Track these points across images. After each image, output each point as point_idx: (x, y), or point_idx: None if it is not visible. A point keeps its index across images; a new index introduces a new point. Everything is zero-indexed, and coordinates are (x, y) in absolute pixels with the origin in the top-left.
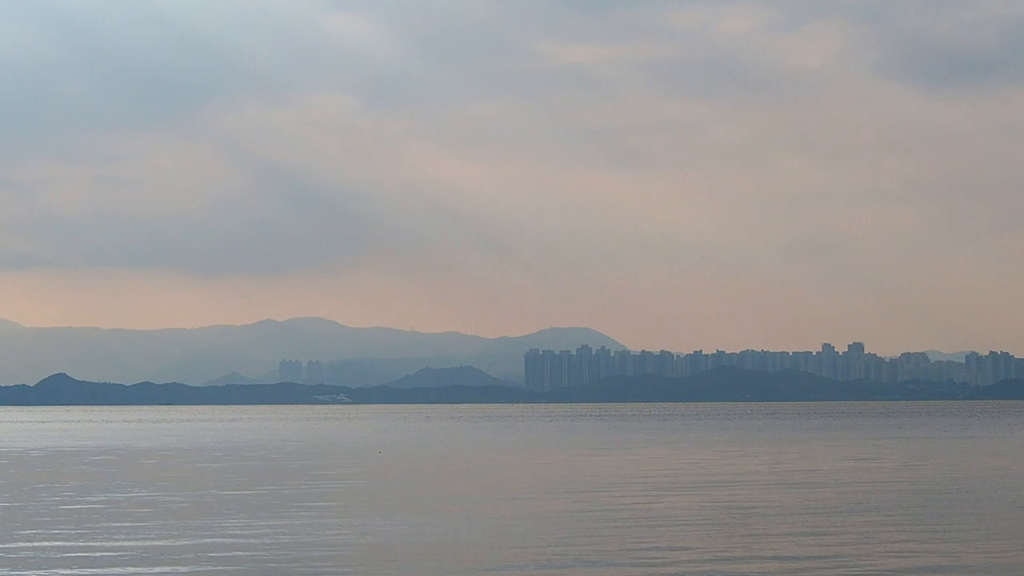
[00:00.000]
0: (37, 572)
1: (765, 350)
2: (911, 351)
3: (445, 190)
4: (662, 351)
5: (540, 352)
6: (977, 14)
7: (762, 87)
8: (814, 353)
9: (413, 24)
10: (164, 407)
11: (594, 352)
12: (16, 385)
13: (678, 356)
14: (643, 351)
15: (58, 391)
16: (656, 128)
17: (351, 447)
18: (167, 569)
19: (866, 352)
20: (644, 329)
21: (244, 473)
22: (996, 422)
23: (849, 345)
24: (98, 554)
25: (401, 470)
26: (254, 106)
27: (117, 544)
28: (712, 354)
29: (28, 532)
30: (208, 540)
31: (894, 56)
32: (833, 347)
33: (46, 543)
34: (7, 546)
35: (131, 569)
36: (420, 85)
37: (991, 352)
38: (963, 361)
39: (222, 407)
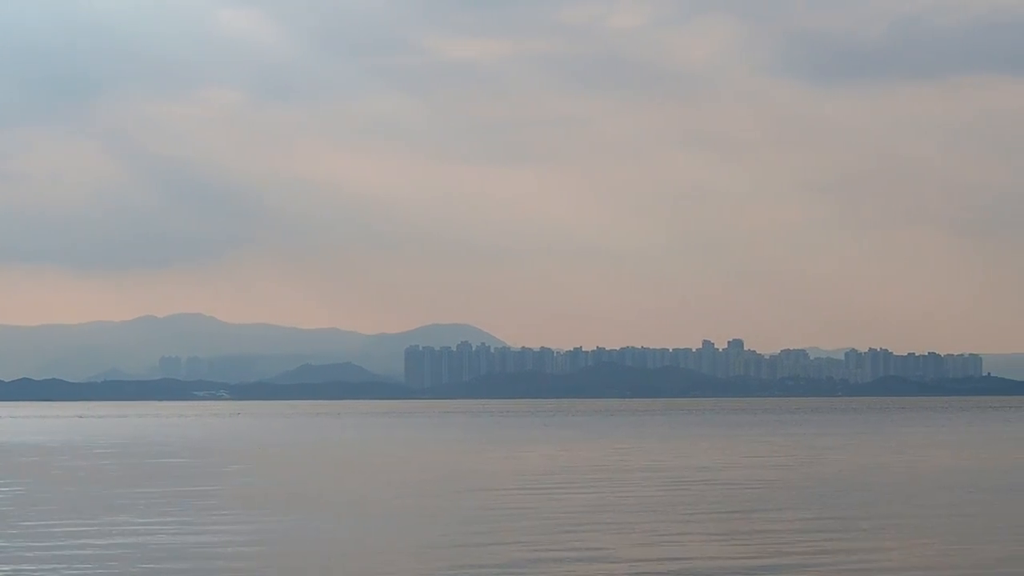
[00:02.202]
0: None
1: (645, 347)
2: (791, 348)
3: (331, 185)
4: (542, 348)
5: (420, 348)
6: (866, 10)
7: (651, 83)
8: (694, 350)
9: (303, 18)
10: (42, 403)
11: (474, 348)
12: None
13: (558, 353)
14: (523, 348)
15: None
16: (545, 124)
17: (234, 444)
18: (32, 568)
19: (746, 349)
20: (525, 325)
21: (123, 471)
22: (862, 419)
23: (729, 342)
24: None
25: (285, 467)
26: (143, 99)
27: None
28: (592, 351)
29: None
30: (86, 541)
31: (782, 52)
32: (713, 344)
33: None
34: None
35: (6, 568)
36: (310, 79)
37: (871, 349)
38: (842, 358)
39: (101, 403)
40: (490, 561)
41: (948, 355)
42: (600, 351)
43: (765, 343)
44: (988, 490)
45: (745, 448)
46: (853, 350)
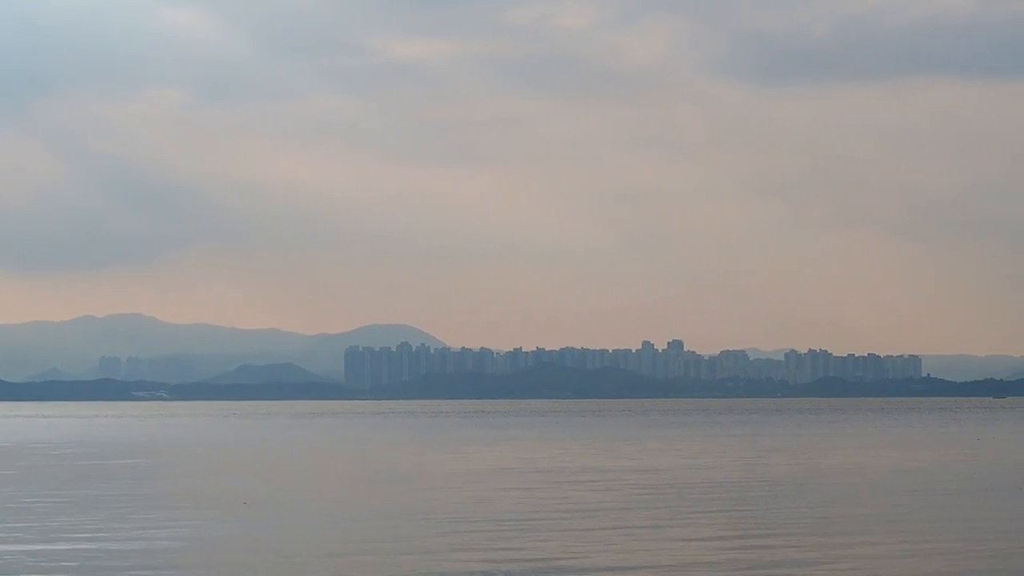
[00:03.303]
0: None
1: (585, 347)
2: (730, 349)
3: (273, 185)
4: (482, 348)
5: (360, 349)
6: (811, 10)
7: (597, 83)
8: (633, 350)
9: (247, 17)
10: None
11: (414, 349)
12: None
13: (498, 353)
14: (463, 348)
15: None
16: (490, 124)
17: (171, 445)
18: None
19: (686, 349)
20: (465, 326)
21: (59, 472)
22: (801, 420)
23: (669, 342)
24: None
25: (222, 469)
26: (85, 98)
27: None
28: (532, 351)
29: None
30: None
31: (729, 52)
32: (653, 344)
33: None
34: None
35: None
36: (253, 79)
37: (810, 350)
38: (782, 359)
39: (40, 403)
40: (415, 566)
41: (888, 356)
42: (540, 352)
43: (705, 344)
44: (927, 492)
45: (685, 449)
46: (793, 351)
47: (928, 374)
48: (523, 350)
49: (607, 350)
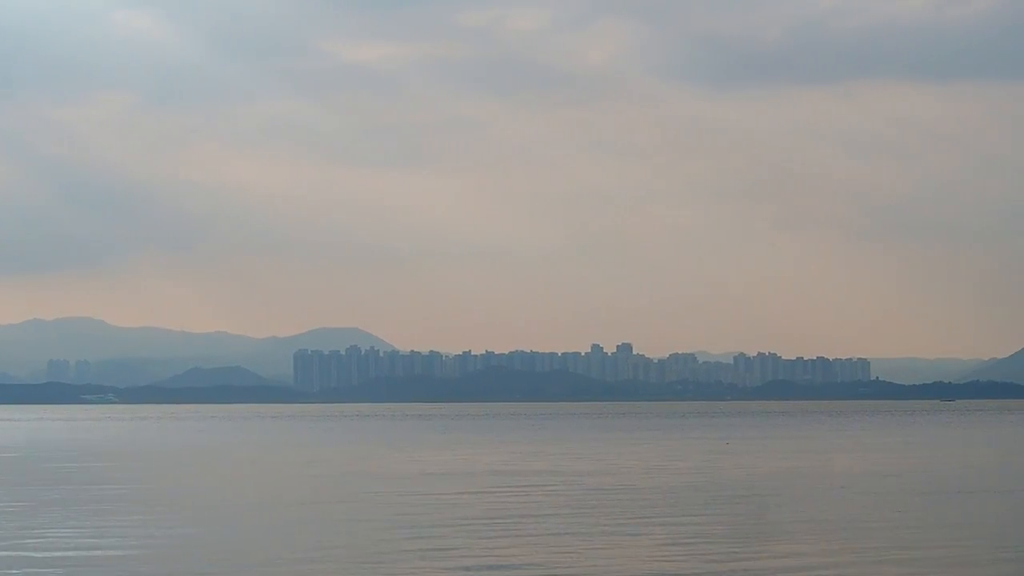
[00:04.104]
0: None
1: (534, 350)
2: (680, 352)
3: (224, 188)
4: (431, 351)
5: (309, 352)
6: (764, 14)
7: (549, 86)
8: (583, 354)
9: (200, 20)
10: None
11: (363, 352)
12: None
13: (447, 356)
14: (412, 351)
15: None
16: (441, 127)
17: (124, 448)
18: None
19: (635, 352)
20: (414, 329)
21: (3, 478)
22: (750, 422)
23: (618, 345)
24: None
25: (171, 473)
26: (36, 101)
27: None
28: (481, 354)
29: None
30: None
31: (682, 56)
32: (602, 347)
33: None
34: None
35: None
36: (206, 82)
37: (759, 353)
38: (731, 362)
39: None
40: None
41: (837, 359)
42: (489, 355)
43: (654, 347)
44: (874, 494)
45: (634, 452)
46: (742, 354)
47: (877, 377)
48: (472, 353)
49: (556, 353)
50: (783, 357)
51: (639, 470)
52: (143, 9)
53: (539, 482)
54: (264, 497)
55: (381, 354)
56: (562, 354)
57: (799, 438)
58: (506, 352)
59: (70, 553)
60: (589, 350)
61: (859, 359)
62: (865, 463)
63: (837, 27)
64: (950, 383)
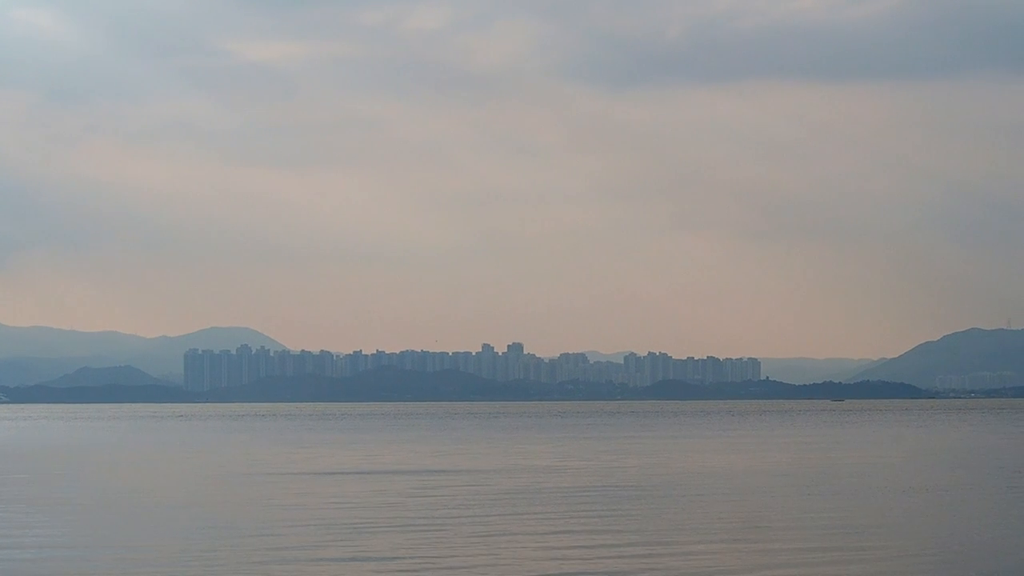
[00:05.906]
0: None
1: (424, 350)
2: (570, 352)
3: (117, 187)
4: (322, 351)
5: (200, 352)
6: (663, 14)
7: (448, 85)
8: (474, 353)
9: (99, 19)
10: None
11: (254, 352)
12: None
13: (338, 356)
14: (303, 351)
15: None
16: (340, 126)
17: (11, 449)
18: None
19: (525, 352)
20: (305, 329)
21: None
22: (639, 422)
23: (509, 345)
24: None
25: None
26: None
27: None
28: (372, 354)
29: None
30: None
31: (581, 55)
32: (493, 347)
33: None
34: None
35: None
36: (104, 80)
37: (649, 353)
38: (622, 362)
39: None
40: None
41: (728, 359)
42: (380, 355)
43: (545, 347)
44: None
45: (526, 452)
46: (632, 354)
47: (767, 377)
48: (363, 353)
49: (447, 353)
50: (674, 357)
51: (539, 470)
52: (43, 8)
53: (432, 481)
54: (143, 499)
55: (272, 354)
56: (453, 354)
57: (692, 438)
58: (397, 352)
59: None
60: (480, 350)
61: (750, 359)
62: (745, 462)
63: (734, 27)
64: (840, 383)
